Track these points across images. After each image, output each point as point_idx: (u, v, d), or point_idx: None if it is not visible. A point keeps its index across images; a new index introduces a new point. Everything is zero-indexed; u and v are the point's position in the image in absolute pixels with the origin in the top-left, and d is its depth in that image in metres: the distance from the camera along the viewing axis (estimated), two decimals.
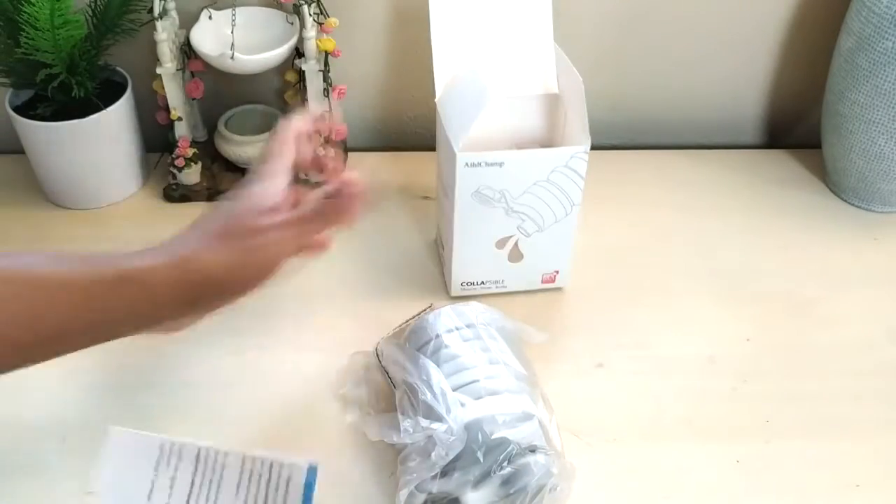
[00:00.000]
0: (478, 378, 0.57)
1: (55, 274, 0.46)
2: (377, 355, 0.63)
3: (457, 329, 0.61)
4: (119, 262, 0.48)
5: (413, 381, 0.56)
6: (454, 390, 0.56)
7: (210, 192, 0.88)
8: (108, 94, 0.83)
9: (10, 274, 0.45)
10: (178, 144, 0.86)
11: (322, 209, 0.54)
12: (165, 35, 0.80)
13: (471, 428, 0.54)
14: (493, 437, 0.54)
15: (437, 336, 0.60)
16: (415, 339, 0.61)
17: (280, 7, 0.85)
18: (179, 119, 0.86)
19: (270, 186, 0.53)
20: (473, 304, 0.63)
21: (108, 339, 0.49)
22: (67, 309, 0.46)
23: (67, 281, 0.46)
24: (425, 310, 0.64)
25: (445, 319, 0.62)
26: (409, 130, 1.00)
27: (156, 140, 0.91)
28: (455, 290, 0.77)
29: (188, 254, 0.49)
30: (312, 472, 0.55)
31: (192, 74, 0.88)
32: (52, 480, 0.62)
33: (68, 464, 0.63)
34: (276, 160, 0.54)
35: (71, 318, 0.46)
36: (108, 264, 0.47)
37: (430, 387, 0.55)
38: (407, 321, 0.64)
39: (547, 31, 0.75)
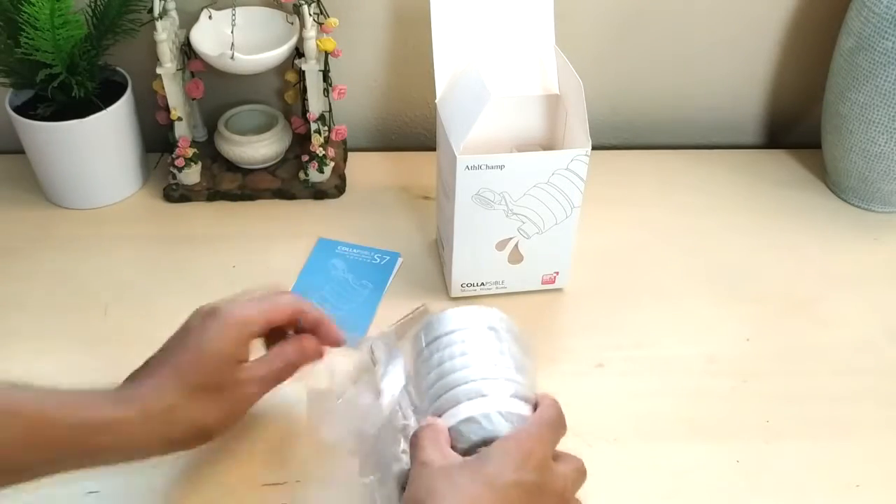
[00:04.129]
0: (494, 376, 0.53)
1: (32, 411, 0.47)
2: (371, 353, 0.62)
3: (475, 328, 0.56)
4: (89, 412, 0.48)
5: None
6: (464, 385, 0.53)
7: (210, 192, 0.88)
8: (108, 94, 0.83)
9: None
10: (178, 144, 0.86)
11: (291, 358, 0.57)
12: (165, 35, 0.80)
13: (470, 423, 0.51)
14: (492, 433, 0.52)
15: (451, 332, 0.55)
16: (429, 333, 0.56)
17: (280, 7, 0.85)
18: (179, 119, 0.86)
19: (245, 330, 0.54)
20: (494, 309, 0.58)
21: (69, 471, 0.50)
22: (35, 451, 0.47)
23: (42, 421, 0.47)
24: (417, 309, 0.63)
25: (463, 317, 0.57)
26: (409, 130, 1.00)
27: (156, 140, 0.91)
28: (455, 290, 0.77)
29: (170, 407, 0.50)
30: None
31: (192, 74, 0.88)
32: (53, 480, 0.62)
33: None
34: (262, 310, 0.55)
35: (35, 458, 0.47)
36: (80, 411, 0.48)
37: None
38: (398, 321, 0.63)
39: (548, 31, 0.75)
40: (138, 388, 0.51)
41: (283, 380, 0.57)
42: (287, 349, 0.57)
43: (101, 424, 0.48)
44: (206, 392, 0.51)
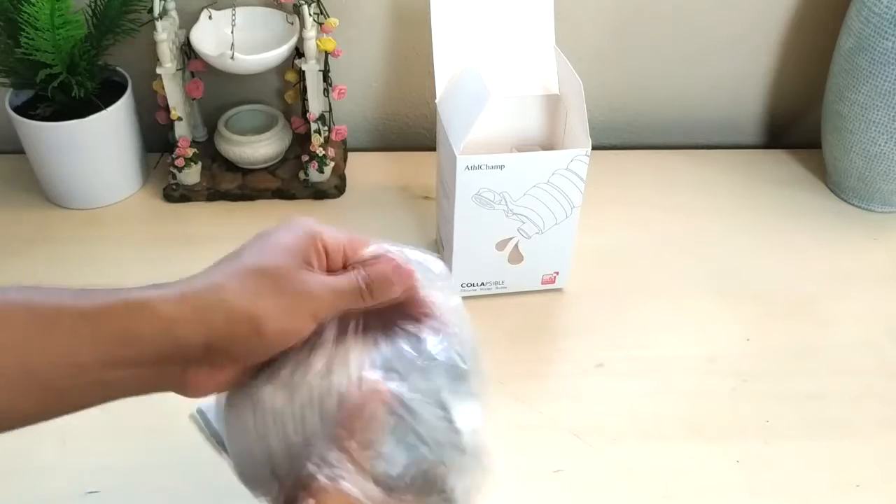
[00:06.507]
0: None
1: (53, 302, 0.39)
2: None
3: None
4: (124, 294, 0.41)
5: None
6: None
7: (210, 192, 0.88)
8: (108, 94, 0.83)
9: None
10: (178, 144, 0.86)
11: (376, 272, 0.46)
12: (165, 35, 0.80)
13: None
14: None
15: None
16: None
17: (280, 7, 0.85)
18: (179, 119, 0.86)
19: (319, 239, 0.45)
20: None
21: (119, 393, 0.41)
22: (70, 339, 0.38)
23: (67, 308, 0.39)
24: None
25: None
26: (409, 130, 1.00)
27: (156, 140, 0.91)
28: (454, 290, 0.77)
29: (215, 286, 0.42)
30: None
31: (192, 74, 0.88)
32: (52, 480, 0.62)
33: (68, 464, 0.63)
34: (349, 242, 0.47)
35: (74, 352, 0.38)
36: (111, 294, 0.40)
37: None
38: None
39: (548, 31, 0.75)
40: (182, 280, 0.42)
41: (361, 303, 0.45)
42: (374, 266, 0.47)
43: (125, 307, 0.40)
44: (261, 277, 0.42)
